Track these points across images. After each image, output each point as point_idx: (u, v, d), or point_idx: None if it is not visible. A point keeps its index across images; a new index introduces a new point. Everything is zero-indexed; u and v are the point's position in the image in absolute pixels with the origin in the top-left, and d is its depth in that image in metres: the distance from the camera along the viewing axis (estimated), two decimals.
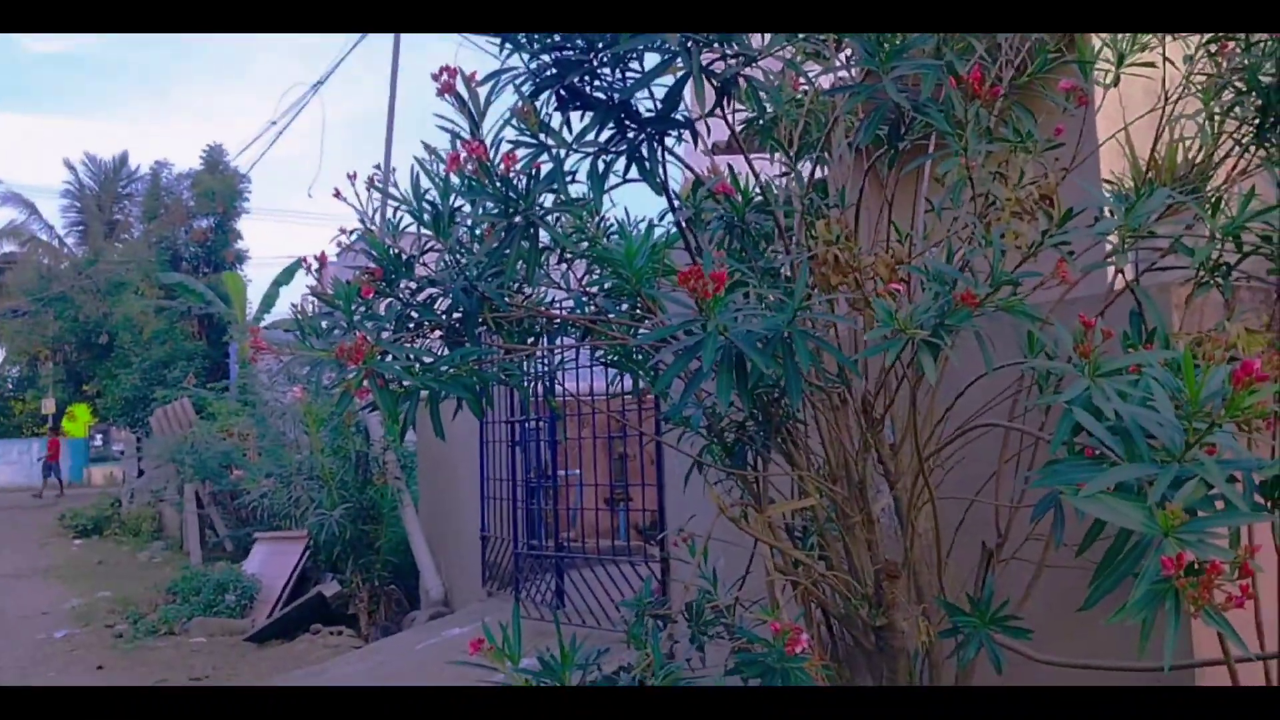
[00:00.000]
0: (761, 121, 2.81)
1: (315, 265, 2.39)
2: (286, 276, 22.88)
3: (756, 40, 2.10)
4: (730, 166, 2.55)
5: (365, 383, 2.16)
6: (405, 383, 2.28)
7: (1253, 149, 2.47)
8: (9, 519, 21.81)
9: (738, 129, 2.59)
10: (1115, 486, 1.31)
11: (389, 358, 2.23)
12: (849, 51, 2.34)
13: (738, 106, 2.67)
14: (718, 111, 2.31)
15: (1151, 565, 1.20)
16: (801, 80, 2.73)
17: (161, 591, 10.93)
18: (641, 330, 2.68)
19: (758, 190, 2.51)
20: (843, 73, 2.49)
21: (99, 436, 34.21)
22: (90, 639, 9.65)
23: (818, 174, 2.75)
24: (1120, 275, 2.29)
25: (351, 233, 2.61)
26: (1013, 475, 2.63)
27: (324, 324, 2.37)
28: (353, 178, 2.62)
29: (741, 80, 2.18)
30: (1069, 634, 2.72)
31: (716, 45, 1.96)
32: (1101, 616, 2.60)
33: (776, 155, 2.80)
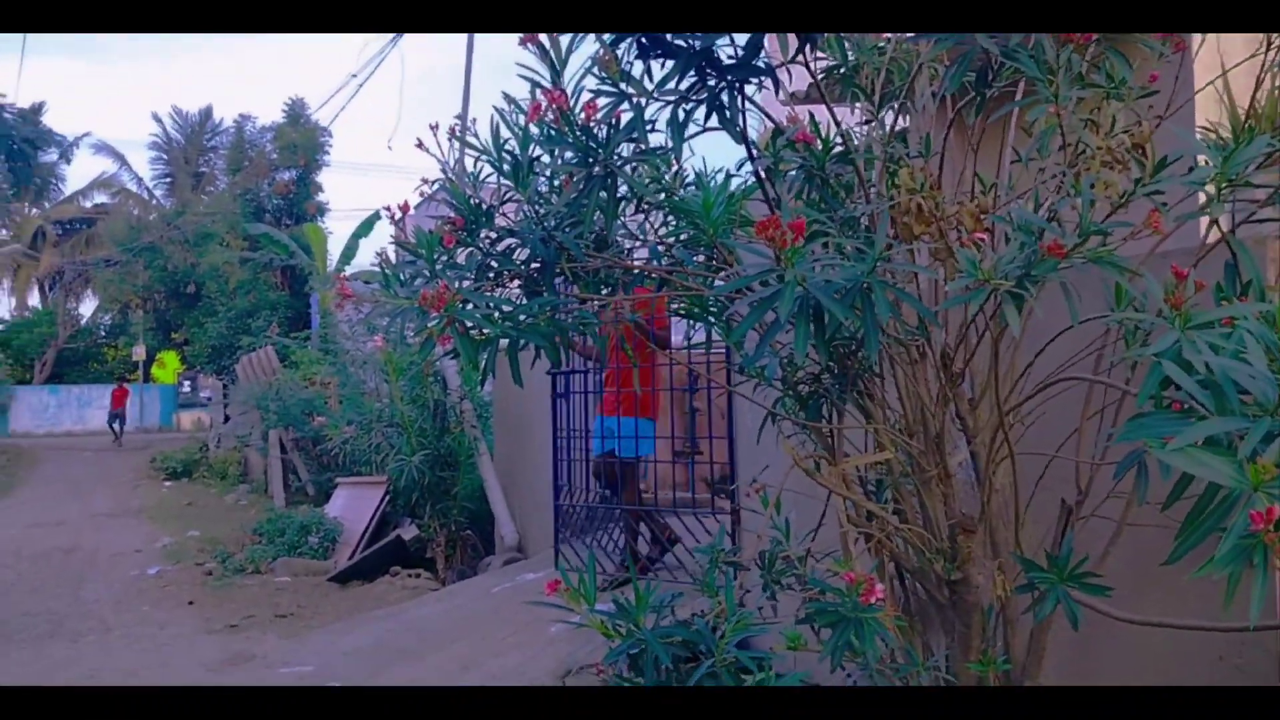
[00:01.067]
0: (843, 70, 2.76)
1: (398, 214, 2.43)
2: (366, 229, 23.25)
3: None
4: (811, 114, 2.51)
5: (446, 330, 2.21)
6: (485, 330, 2.33)
7: None
8: (102, 461, 22.77)
9: (819, 77, 2.55)
10: (1204, 441, 1.29)
11: (469, 306, 2.27)
12: None
13: (819, 54, 2.63)
14: (799, 59, 2.28)
15: (1240, 520, 1.17)
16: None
17: (248, 532, 11.35)
18: (717, 281, 2.68)
19: (838, 139, 2.47)
20: None
21: (187, 383, 35.39)
22: (181, 576, 10.08)
23: (901, 123, 2.70)
24: (1215, 227, 2.22)
25: (433, 183, 2.65)
26: (1095, 432, 2.58)
27: (407, 273, 2.42)
28: (434, 128, 2.65)
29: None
30: (1148, 593, 2.69)
31: None
32: (1182, 575, 2.56)
33: (858, 104, 2.76)
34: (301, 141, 31.48)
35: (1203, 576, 1.27)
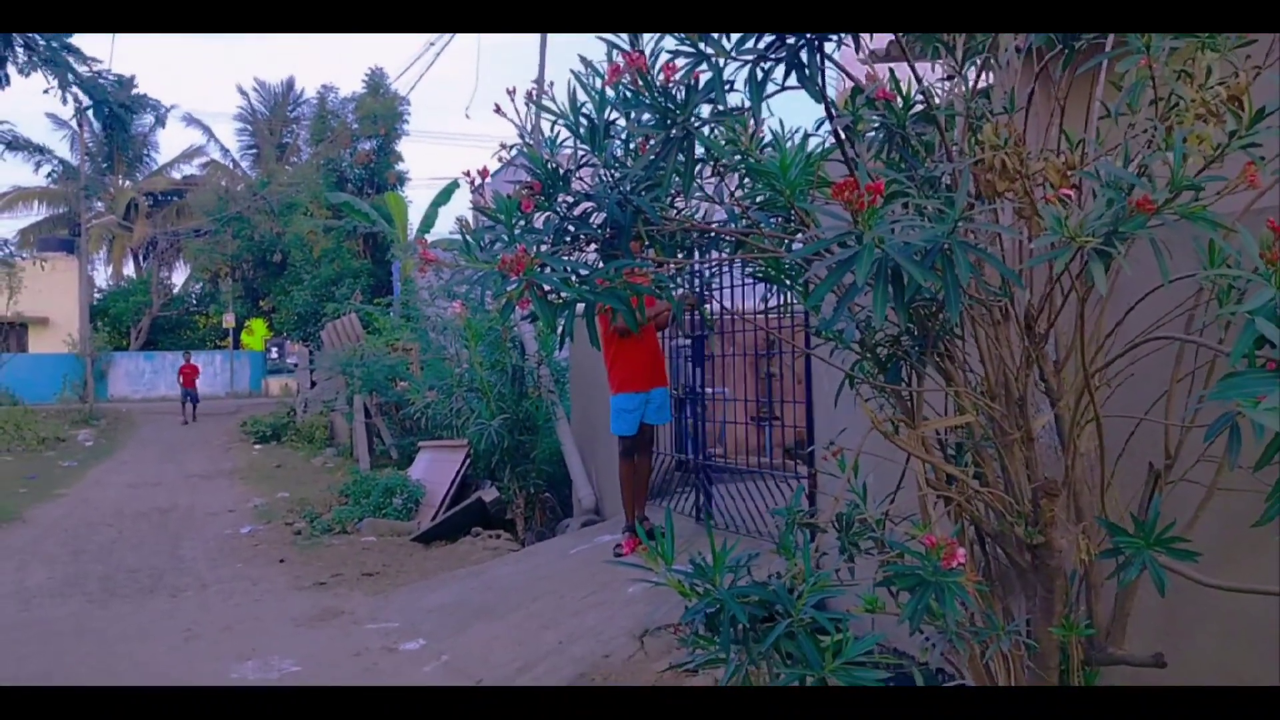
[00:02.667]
0: None
1: (477, 179, 2.47)
2: (444, 197, 23.52)
3: None
4: (891, 71, 2.47)
5: (525, 294, 2.24)
6: (562, 294, 2.35)
7: None
8: (195, 425, 23.59)
9: (900, 34, 2.50)
10: None
11: (547, 270, 2.30)
12: None
13: None
14: None
15: None
16: None
17: (335, 494, 11.69)
18: (795, 244, 2.67)
19: (919, 96, 2.43)
20: None
21: (274, 349, 36.43)
22: (272, 535, 10.44)
23: (984, 80, 2.64)
24: None
25: (511, 148, 2.67)
26: (1185, 394, 2.51)
27: (486, 238, 2.45)
28: (511, 93, 2.67)
29: None
30: (1238, 559, 2.62)
31: None
32: (1274, 540, 2.49)
33: (940, 61, 2.70)
34: (381, 111, 31.91)
35: None
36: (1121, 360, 2.46)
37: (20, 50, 7.05)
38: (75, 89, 7.66)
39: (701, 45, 2.09)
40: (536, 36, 11.17)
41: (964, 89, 2.46)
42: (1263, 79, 2.09)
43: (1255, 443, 1.65)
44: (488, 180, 2.61)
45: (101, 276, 39.94)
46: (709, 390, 7.04)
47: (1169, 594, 2.31)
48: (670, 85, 2.16)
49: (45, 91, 7.40)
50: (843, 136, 2.43)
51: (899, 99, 2.40)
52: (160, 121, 37.23)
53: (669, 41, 2.15)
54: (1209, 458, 2.42)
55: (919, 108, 2.53)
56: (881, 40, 2.53)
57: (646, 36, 2.20)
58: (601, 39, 2.26)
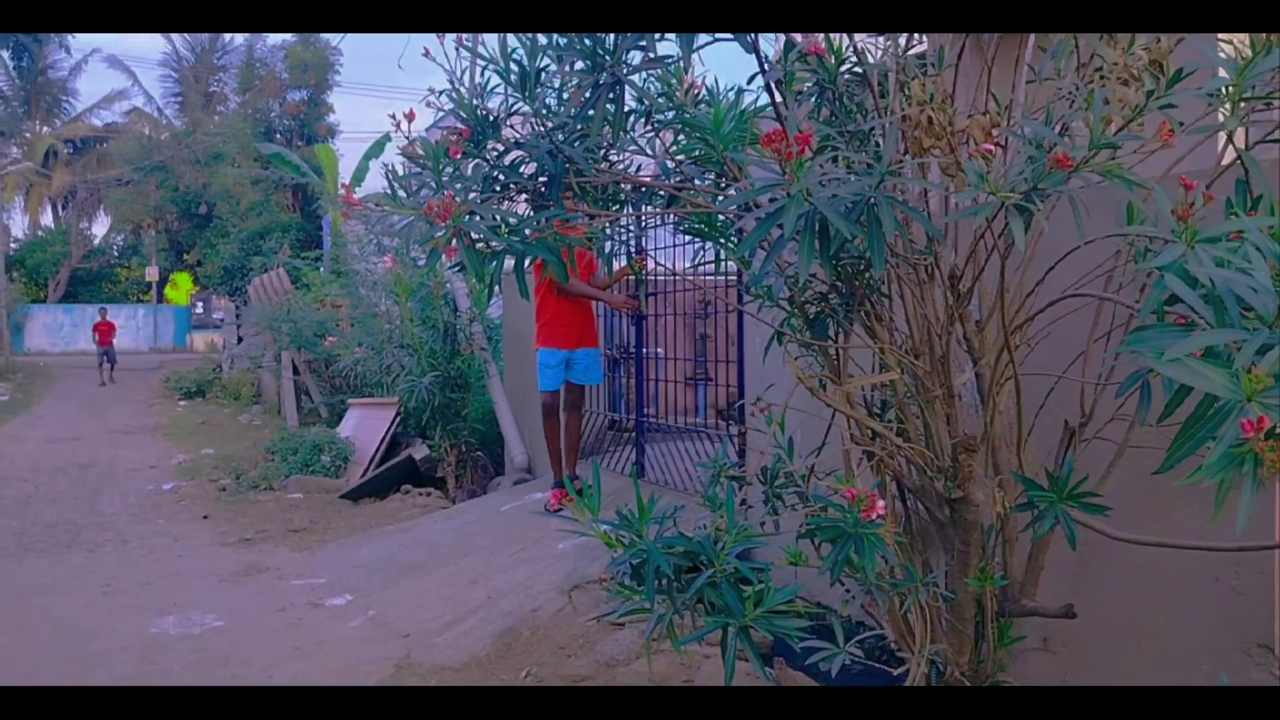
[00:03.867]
0: None
1: (404, 124, 2.42)
2: (377, 150, 23.04)
3: None
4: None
5: (453, 241, 2.21)
6: (492, 244, 2.32)
7: None
8: (118, 379, 22.98)
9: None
10: (1203, 353, 1.29)
11: (476, 218, 2.27)
12: None
13: None
14: None
15: (1231, 429, 1.18)
16: None
17: (261, 451, 11.49)
18: (725, 197, 2.67)
19: (851, 52, 2.43)
20: None
21: (199, 304, 35.56)
22: (196, 491, 10.23)
23: (917, 42, 2.65)
24: (1232, 147, 2.19)
25: (440, 94, 2.62)
26: (1102, 353, 2.58)
27: (413, 184, 2.41)
28: (441, 39, 2.61)
29: None
30: (1148, 514, 2.71)
31: None
32: (1183, 498, 2.58)
33: None
34: (312, 61, 31.08)
35: (1200, 496, 1.28)
36: (1041, 319, 2.52)
37: None
38: None
39: None
40: None
41: (895, 48, 2.47)
42: (1184, 45, 2.13)
43: (1165, 394, 1.70)
44: (414, 125, 2.56)
45: (18, 226, 38.54)
46: (644, 351, 7.05)
47: (1081, 547, 2.39)
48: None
49: None
50: (775, 91, 2.42)
51: (831, 56, 2.40)
52: (76, 69, 35.89)
53: None
54: (1122, 416, 2.49)
55: (851, 65, 2.54)
56: None
57: None
58: None
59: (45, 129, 37.39)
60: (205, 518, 8.95)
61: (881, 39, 2.62)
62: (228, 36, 37.30)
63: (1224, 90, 1.90)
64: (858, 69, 2.53)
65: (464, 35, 2.69)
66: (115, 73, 38.05)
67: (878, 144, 2.33)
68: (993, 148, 1.79)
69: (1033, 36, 2.54)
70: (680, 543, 2.30)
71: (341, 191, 19.58)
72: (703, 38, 2.10)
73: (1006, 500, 2.55)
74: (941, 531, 2.73)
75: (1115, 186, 1.79)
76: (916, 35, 2.64)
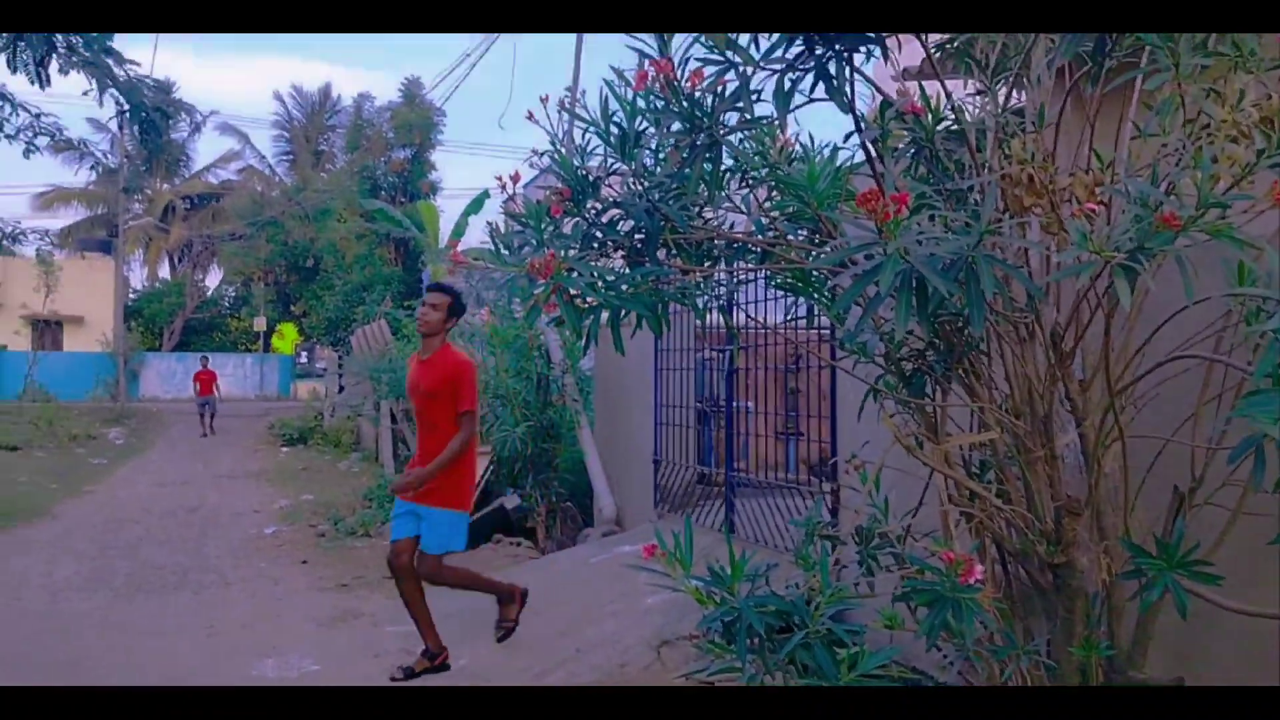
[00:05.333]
0: (957, 43, 2.71)
1: (509, 184, 2.50)
2: (476, 206, 23.66)
3: None
4: (921, 86, 2.48)
5: (552, 297, 2.26)
6: (589, 299, 2.37)
7: None
8: (224, 426, 23.80)
9: (931, 51, 2.51)
10: None
11: (574, 274, 2.32)
12: None
13: None
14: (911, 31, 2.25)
15: None
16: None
17: (359, 497, 11.75)
18: (820, 254, 2.67)
19: (949, 111, 2.43)
20: None
21: (304, 354, 36.74)
22: (295, 536, 10.50)
23: (1016, 99, 2.64)
24: None
25: (542, 154, 2.70)
26: (1212, 416, 2.49)
27: (515, 242, 2.48)
28: (544, 100, 2.70)
29: None
30: (1262, 583, 2.59)
31: None
32: None
33: (971, 80, 2.70)
34: (416, 120, 32.20)
35: None
36: (1148, 380, 2.45)
37: (61, 51, 7.18)
38: (114, 92, 7.79)
39: (730, 54, 2.11)
40: (571, 48, 11.22)
41: (994, 105, 2.46)
42: None
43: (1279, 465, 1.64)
44: (519, 185, 2.64)
45: (137, 277, 40.57)
46: (734, 404, 7.03)
47: (1191, 618, 2.29)
48: (698, 93, 2.18)
49: (85, 93, 7.54)
50: (871, 150, 2.43)
51: (928, 113, 2.40)
52: (197, 128, 37.82)
53: (698, 49, 2.18)
54: (1235, 481, 2.40)
55: (949, 123, 2.53)
56: (913, 57, 2.53)
57: (675, 43, 2.22)
58: (632, 48, 2.28)
59: (165, 186, 39.41)
60: (304, 562, 9.17)
61: (978, 97, 2.62)
62: (336, 95, 38.98)
63: None
64: (955, 126, 2.52)
65: (565, 98, 2.78)
66: (229, 136, 39.84)
67: (976, 202, 2.31)
68: (1096, 206, 1.76)
69: (1137, 93, 2.50)
70: (773, 601, 2.29)
71: (444, 247, 20.07)
72: (798, 99, 2.13)
73: (1113, 566, 2.46)
74: (1044, 598, 2.64)
75: (1224, 245, 1.75)
76: (1016, 92, 2.62)
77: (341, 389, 21.95)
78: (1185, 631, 2.78)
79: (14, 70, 7.09)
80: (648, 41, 2.26)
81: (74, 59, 7.28)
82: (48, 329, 33.83)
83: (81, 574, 8.64)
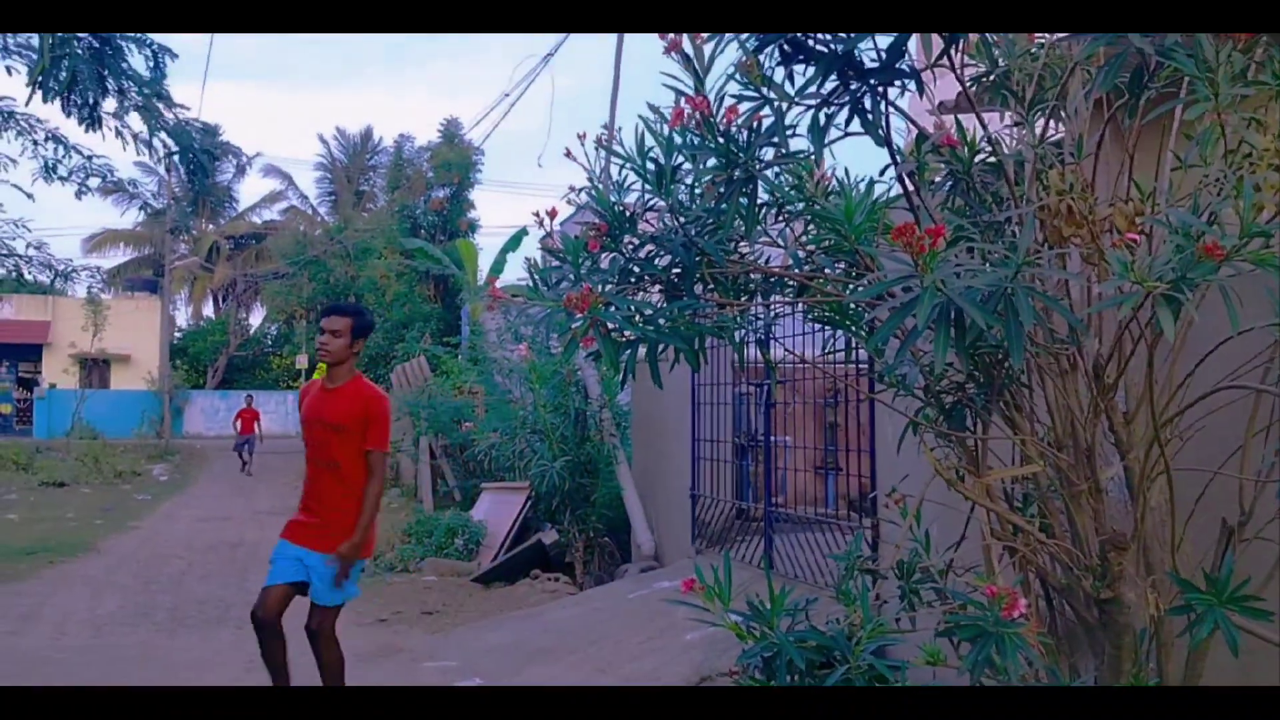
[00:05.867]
0: (993, 76, 2.71)
1: (546, 220, 2.53)
2: (514, 243, 23.89)
3: None
4: (957, 119, 2.48)
5: (590, 331, 2.28)
6: (626, 333, 2.39)
7: None
8: (265, 463, 24.05)
9: (968, 84, 2.51)
10: None
11: (612, 308, 2.34)
12: None
13: (968, 61, 2.60)
14: (945, 65, 2.26)
15: None
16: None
17: (398, 533, 11.81)
18: (858, 288, 2.67)
19: (985, 143, 2.43)
20: None
21: None
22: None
23: (1053, 130, 2.63)
24: None
25: (580, 190, 2.73)
26: (1261, 448, 2.45)
27: (553, 277, 2.51)
28: (582, 138, 2.74)
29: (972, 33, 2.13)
30: None
31: None
32: None
33: (1008, 112, 2.70)
34: (456, 160, 32.64)
35: None
36: (1194, 411, 2.41)
37: (113, 99, 7.41)
38: (163, 134, 8.01)
39: (765, 90, 2.13)
40: (608, 87, 11.32)
41: (1031, 137, 2.46)
42: None
43: None
44: (556, 221, 2.67)
45: (182, 316, 41.37)
46: (773, 439, 7.00)
47: (1243, 654, 2.24)
48: (733, 128, 2.20)
49: (135, 136, 7.75)
50: (907, 183, 2.44)
51: (964, 146, 2.40)
52: (242, 170, 38.63)
53: (733, 87, 2.20)
54: None
55: (985, 155, 2.53)
56: (950, 91, 2.54)
57: (711, 80, 2.24)
58: (668, 86, 2.31)
59: (210, 226, 40.25)
60: None
61: (1015, 128, 2.61)
62: (377, 137, 39.67)
63: None
64: (992, 159, 2.52)
65: (602, 135, 2.81)
66: (273, 178, 40.76)
67: (1014, 234, 2.31)
68: (1137, 237, 1.75)
69: (1176, 123, 2.49)
70: (813, 636, 2.27)
71: (483, 283, 20.23)
72: (834, 133, 2.14)
73: (1161, 602, 2.41)
74: (1090, 634, 2.59)
75: (1270, 275, 1.73)
76: (1054, 124, 2.62)
77: None
78: (1237, 669, 2.71)
79: (68, 114, 7.31)
80: (684, 80, 2.29)
81: (125, 104, 7.49)
82: (95, 367, 34.49)
83: (125, 608, 8.74)
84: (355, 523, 4.70)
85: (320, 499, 4.78)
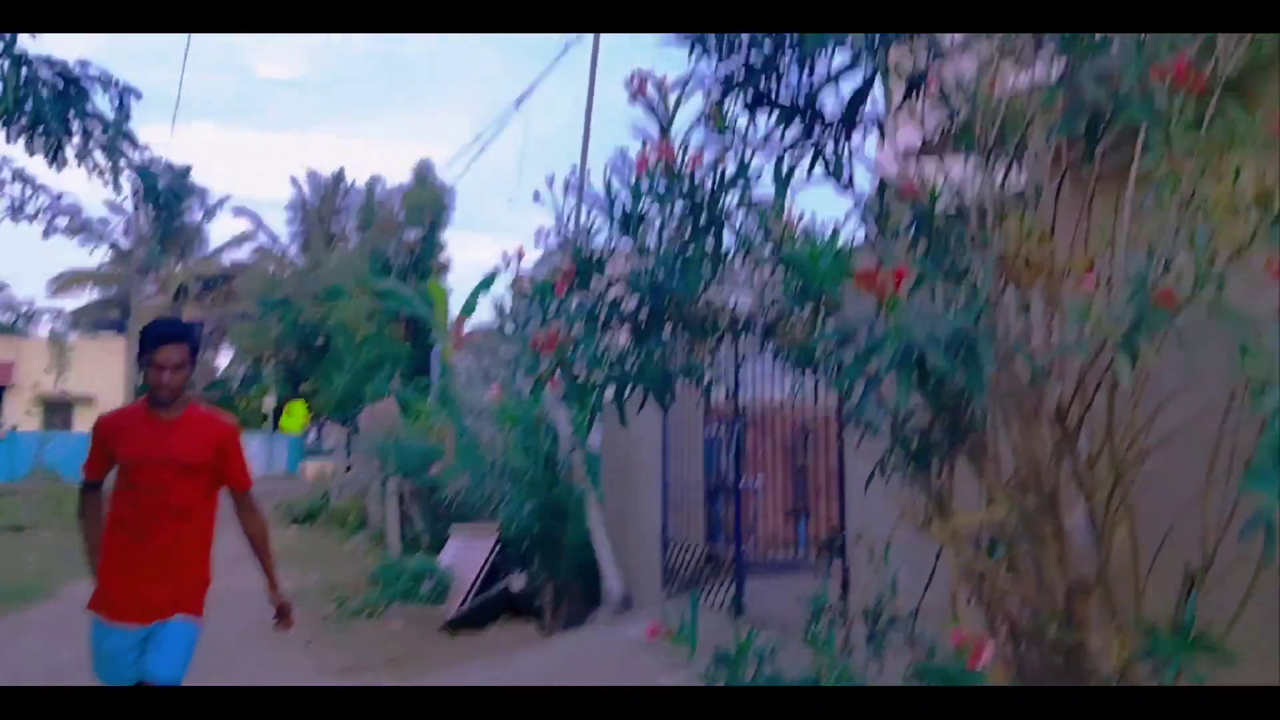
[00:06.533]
0: (954, 124, 2.76)
1: (514, 260, 2.53)
2: (485, 285, 23.88)
3: (946, 40, 2.09)
4: (920, 167, 2.52)
5: (557, 373, 2.28)
6: (594, 375, 2.39)
7: None
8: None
9: (930, 133, 2.55)
10: None
11: (579, 350, 2.34)
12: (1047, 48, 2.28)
13: (930, 108, 2.64)
14: (909, 113, 2.30)
15: None
16: (997, 80, 2.66)
17: (365, 578, 11.64)
18: (824, 330, 2.68)
19: (948, 190, 2.47)
20: (1040, 72, 2.42)
21: (313, 432, 36.75)
22: (300, 618, 10.33)
23: (1014, 177, 2.67)
24: None
25: (548, 233, 2.74)
26: (1222, 493, 2.47)
27: (521, 318, 2.51)
28: (550, 181, 2.75)
29: (934, 81, 2.17)
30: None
31: (903, 41, 1.96)
32: None
33: (970, 160, 2.74)
34: (428, 201, 32.73)
35: None
36: (1157, 456, 2.43)
37: (77, 138, 7.37)
38: (128, 173, 7.97)
39: (727, 135, 2.16)
40: (579, 132, 11.43)
41: (990, 184, 2.49)
42: None
43: None
44: (525, 264, 2.67)
45: None
46: (741, 483, 7.00)
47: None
48: (697, 176, 2.22)
49: (100, 174, 7.69)
50: (872, 227, 2.47)
51: (925, 193, 2.44)
52: (210, 213, 38.46)
53: (699, 134, 2.22)
54: (1247, 558, 2.36)
55: (948, 202, 2.56)
56: (912, 140, 2.58)
57: (676, 126, 2.27)
58: (637, 128, 2.33)
59: (179, 267, 39.95)
60: (308, 644, 9.04)
61: (979, 176, 2.65)
62: (350, 179, 39.69)
63: None
64: (955, 207, 2.56)
65: (571, 177, 2.83)
66: (242, 220, 40.67)
67: (975, 280, 2.33)
68: (1092, 284, 1.78)
69: (1134, 171, 2.53)
70: (779, 683, 2.25)
71: (456, 321, 20.20)
72: (798, 179, 2.17)
73: (1125, 648, 2.41)
74: (1058, 680, 2.59)
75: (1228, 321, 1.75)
76: (1013, 170, 2.66)
77: (349, 468, 21.90)
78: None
79: (31, 154, 7.26)
80: (649, 126, 2.31)
81: (89, 144, 7.45)
82: (58, 409, 33.94)
83: (82, 656, 8.52)
84: (205, 578, 4.11)
85: (161, 557, 3.94)
